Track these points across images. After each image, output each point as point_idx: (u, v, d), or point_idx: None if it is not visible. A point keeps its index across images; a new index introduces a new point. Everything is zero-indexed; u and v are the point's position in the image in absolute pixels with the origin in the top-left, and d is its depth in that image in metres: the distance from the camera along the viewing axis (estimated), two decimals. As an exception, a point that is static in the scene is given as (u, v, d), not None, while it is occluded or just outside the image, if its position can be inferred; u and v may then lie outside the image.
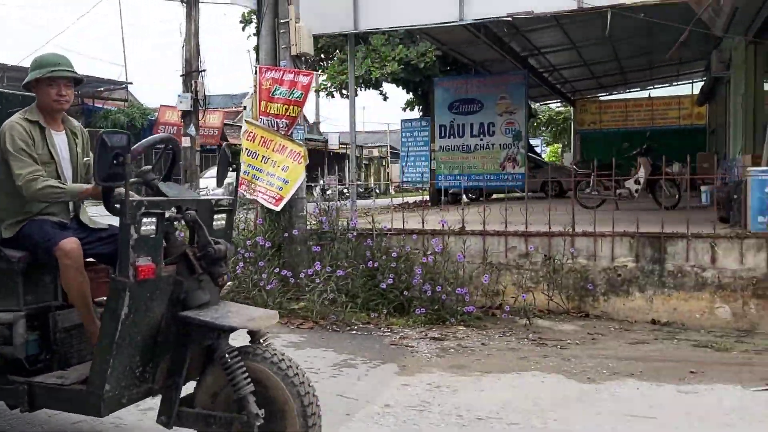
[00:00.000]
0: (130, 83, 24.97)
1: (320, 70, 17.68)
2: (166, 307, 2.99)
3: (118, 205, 2.88)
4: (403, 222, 8.02)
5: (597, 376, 4.99)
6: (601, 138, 24.89)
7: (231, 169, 3.47)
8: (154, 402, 3.17)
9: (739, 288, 6.76)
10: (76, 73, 3.52)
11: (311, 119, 37.71)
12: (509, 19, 7.78)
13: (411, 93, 20.53)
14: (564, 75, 21.47)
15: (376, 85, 18.08)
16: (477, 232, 7.63)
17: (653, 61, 19.08)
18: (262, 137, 7.30)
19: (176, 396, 3.01)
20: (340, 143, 32.84)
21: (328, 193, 30.75)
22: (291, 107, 7.27)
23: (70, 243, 3.19)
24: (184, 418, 3.02)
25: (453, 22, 7.91)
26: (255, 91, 7.52)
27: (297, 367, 2.94)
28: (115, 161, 2.82)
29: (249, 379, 2.84)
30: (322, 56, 18.17)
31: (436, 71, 18.05)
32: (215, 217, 3.22)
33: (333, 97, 18.13)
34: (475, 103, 17.85)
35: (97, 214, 3.68)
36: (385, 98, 20.15)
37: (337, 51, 17.60)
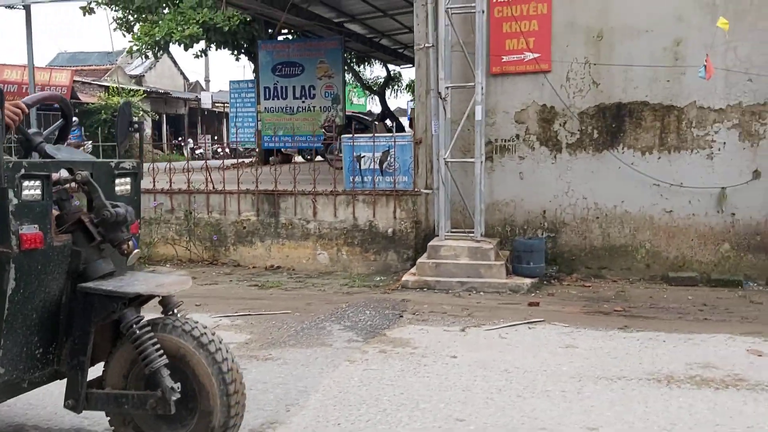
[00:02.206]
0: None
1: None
2: (65, 281, 2.75)
3: None
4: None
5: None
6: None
7: (133, 129, 3.11)
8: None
9: (334, 237, 7.97)
10: None
11: (193, 78, 37.76)
12: None
13: (245, 55, 21.20)
14: (402, 41, 22.34)
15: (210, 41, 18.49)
16: (134, 191, 8.59)
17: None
18: None
19: (83, 377, 2.75)
20: (214, 102, 33.19)
21: (197, 152, 31.17)
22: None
23: None
24: (93, 401, 2.79)
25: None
26: None
27: (220, 341, 2.77)
28: None
29: (161, 352, 2.67)
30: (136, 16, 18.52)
31: (262, 34, 18.71)
32: (117, 181, 2.97)
33: (147, 57, 18.63)
34: (296, 66, 18.64)
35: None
36: (237, 58, 20.81)
37: (149, 14, 17.99)
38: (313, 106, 18.26)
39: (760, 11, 6.76)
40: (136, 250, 2.88)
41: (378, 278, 7.42)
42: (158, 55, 18.56)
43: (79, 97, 25.40)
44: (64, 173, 2.82)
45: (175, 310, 2.89)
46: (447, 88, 6.90)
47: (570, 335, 5.17)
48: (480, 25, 6.75)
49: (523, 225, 7.55)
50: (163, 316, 2.86)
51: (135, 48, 18.32)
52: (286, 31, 20.01)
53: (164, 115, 31.45)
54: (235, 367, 2.76)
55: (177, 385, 2.67)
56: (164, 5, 17.63)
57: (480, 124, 6.88)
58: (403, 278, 6.93)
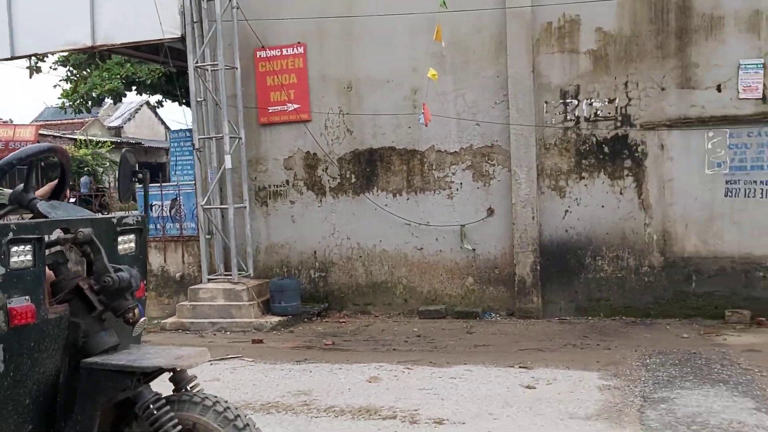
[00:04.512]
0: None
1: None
2: (62, 357, 2.39)
3: None
4: None
5: None
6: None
7: (136, 179, 2.82)
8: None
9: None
10: None
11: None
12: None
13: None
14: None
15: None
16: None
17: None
18: None
19: None
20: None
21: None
22: None
23: None
24: None
25: (7, 59, 9.20)
26: None
27: (236, 409, 2.47)
28: None
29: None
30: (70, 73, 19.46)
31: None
32: (120, 239, 2.60)
33: (81, 111, 19.58)
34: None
35: None
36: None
37: (81, 70, 18.96)
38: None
39: (482, 62, 7.22)
40: (142, 319, 2.52)
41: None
42: (90, 109, 19.53)
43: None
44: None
45: (189, 387, 2.51)
46: (200, 139, 7.45)
47: (235, 369, 5.56)
48: (223, 81, 7.31)
49: (298, 266, 7.96)
50: (176, 392, 2.50)
51: (68, 104, 19.36)
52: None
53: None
54: None
55: None
56: (95, 63, 18.59)
57: (229, 172, 7.39)
58: (163, 321, 7.38)
